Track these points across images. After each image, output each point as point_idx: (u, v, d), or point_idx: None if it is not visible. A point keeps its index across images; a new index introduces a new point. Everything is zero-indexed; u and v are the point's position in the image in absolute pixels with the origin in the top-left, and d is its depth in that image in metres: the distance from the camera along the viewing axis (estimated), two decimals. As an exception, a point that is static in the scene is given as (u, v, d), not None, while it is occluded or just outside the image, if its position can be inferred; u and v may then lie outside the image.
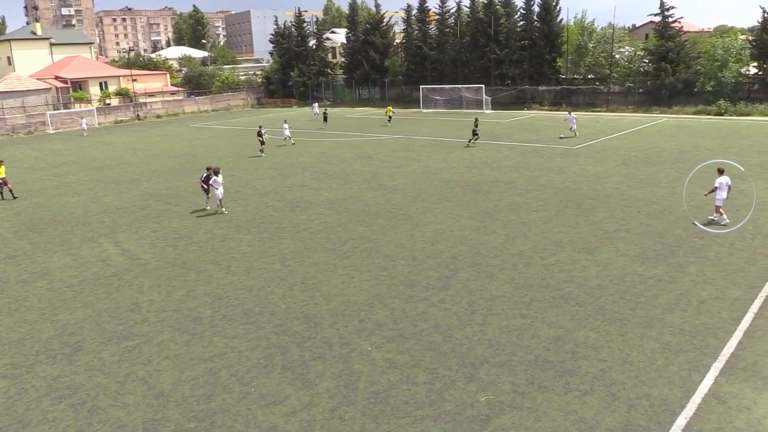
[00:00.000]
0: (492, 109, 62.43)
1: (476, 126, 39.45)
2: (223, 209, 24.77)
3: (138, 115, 75.79)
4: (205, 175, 25.25)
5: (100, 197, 29.44)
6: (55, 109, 71.68)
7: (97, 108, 73.34)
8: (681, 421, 9.71)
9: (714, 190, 19.52)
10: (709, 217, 20.15)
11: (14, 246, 21.89)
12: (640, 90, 58.63)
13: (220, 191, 24.47)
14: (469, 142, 39.48)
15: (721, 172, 19.61)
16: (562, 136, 40.89)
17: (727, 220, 19.61)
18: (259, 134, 40.15)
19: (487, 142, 40.62)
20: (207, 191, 25.39)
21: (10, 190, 30.32)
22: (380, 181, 29.50)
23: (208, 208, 25.39)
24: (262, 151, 39.67)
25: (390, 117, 54.71)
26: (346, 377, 11.56)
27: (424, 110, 66.04)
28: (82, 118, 64.92)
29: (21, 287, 17.60)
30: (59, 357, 13.15)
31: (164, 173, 35.43)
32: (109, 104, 78.45)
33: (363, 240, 20.06)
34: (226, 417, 10.52)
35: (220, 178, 24.27)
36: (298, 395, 11.04)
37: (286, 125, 44.39)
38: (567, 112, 43.97)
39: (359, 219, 22.70)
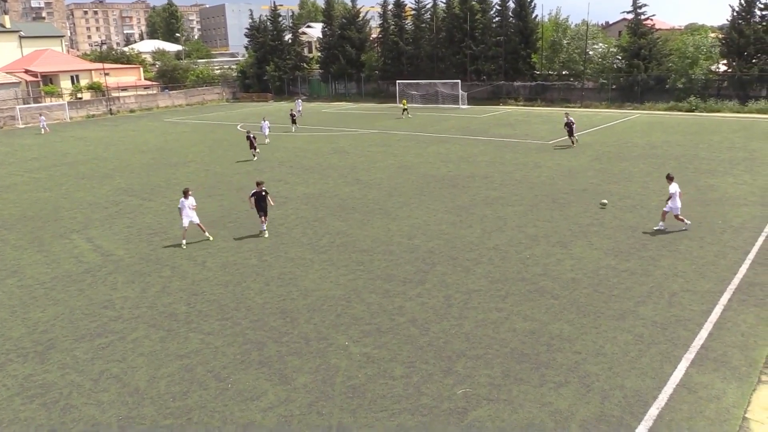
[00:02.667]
0: (468, 104, 62.70)
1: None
2: (207, 234, 20.16)
3: (111, 110, 74.62)
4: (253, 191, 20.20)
5: (71, 193, 28.95)
6: (24, 104, 70.23)
7: (68, 102, 72.01)
8: (653, 411, 9.89)
9: (670, 198, 18.68)
10: (655, 227, 19.00)
11: (-17, 243, 21.43)
12: (614, 86, 59.33)
13: (187, 218, 19.50)
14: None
15: (671, 179, 18.82)
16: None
17: (687, 225, 18.87)
18: (248, 138, 35.93)
19: (463, 137, 40.79)
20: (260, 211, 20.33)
21: None
22: (357, 175, 29.47)
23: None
24: (254, 155, 35.88)
25: (405, 110, 54.18)
26: (324, 372, 11.55)
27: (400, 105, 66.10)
28: (40, 115, 62.74)
29: (-9, 284, 17.25)
30: (31, 355, 12.93)
31: (138, 168, 34.95)
32: (80, 98, 77.06)
33: (339, 235, 20.04)
34: (203, 413, 10.45)
35: (190, 201, 19.39)
36: (275, 390, 11.01)
37: (265, 122, 42.61)
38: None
39: (336, 214, 22.66)
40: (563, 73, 63.82)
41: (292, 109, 53.20)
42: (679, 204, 18.63)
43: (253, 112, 63.69)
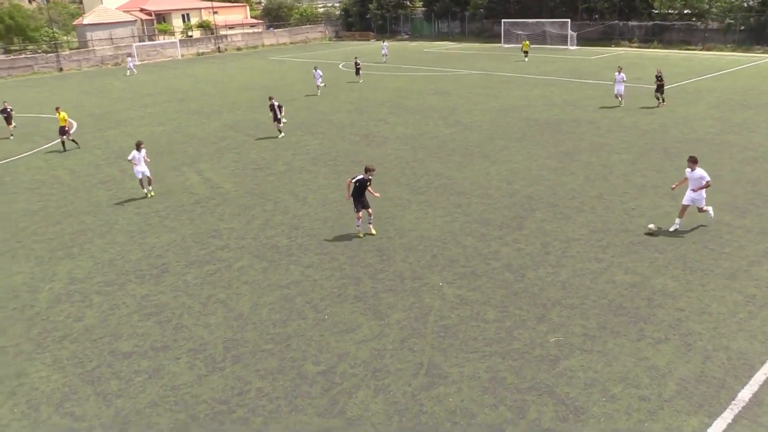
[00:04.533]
0: (577, 45, 59.62)
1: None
2: (146, 190, 19.82)
3: (219, 48, 76.94)
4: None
5: (183, 128, 30.43)
6: (140, 41, 73.69)
7: (180, 40, 74.86)
8: (760, 376, 9.39)
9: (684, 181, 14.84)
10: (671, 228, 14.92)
11: (105, 172, 23.11)
12: (742, 27, 54.26)
13: (139, 171, 19.36)
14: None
15: (694, 162, 14.44)
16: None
17: (677, 225, 14.81)
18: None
19: (570, 80, 39.02)
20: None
21: (73, 140, 27.49)
22: (457, 117, 29.04)
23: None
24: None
25: (526, 52, 51.99)
26: (417, 310, 11.77)
27: (506, 45, 63.81)
28: (128, 56, 62.91)
29: (112, 211, 18.66)
30: (147, 277, 13.98)
31: (244, 105, 36.10)
32: (191, 36, 79.87)
33: (438, 176, 19.98)
34: (301, 341, 10.98)
35: (142, 154, 19.22)
36: (369, 325, 11.36)
37: (317, 71, 38.51)
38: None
39: (435, 155, 22.55)
40: (684, 12, 59.02)
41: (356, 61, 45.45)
42: (703, 195, 14.54)
43: (354, 50, 63.62)
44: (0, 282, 14.26)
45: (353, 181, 14.85)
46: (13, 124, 30.68)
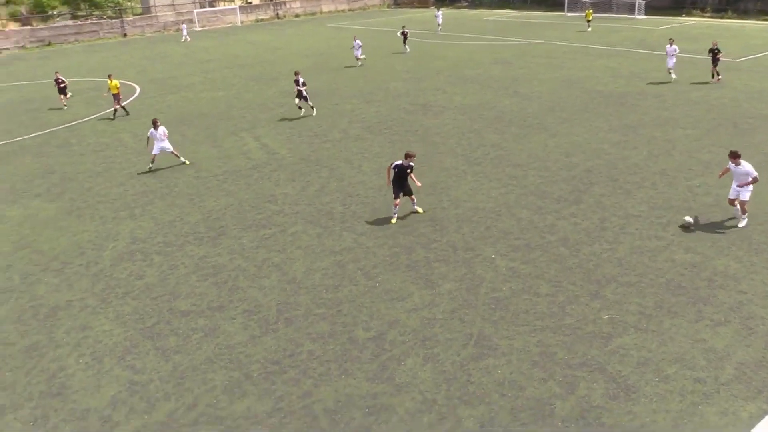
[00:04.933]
0: (645, 14, 57.14)
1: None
2: (182, 159, 20.09)
3: (278, 14, 77.18)
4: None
5: (242, 93, 30.83)
6: (201, 8, 74.57)
7: (239, 6, 75.41)
8: (827, 362, 9.02)
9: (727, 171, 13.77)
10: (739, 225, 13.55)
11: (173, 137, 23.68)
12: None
13: (158, 147, 19.48)
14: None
15: (736, 157, 13.13)
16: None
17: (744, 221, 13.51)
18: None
19: (636, 51, 37.54)
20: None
21: (123, 108, 27.66)
22: (517, 88, 28.42)
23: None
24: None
25: (589, 21, 50.13)
26: (469, 281, 11.73)
27: (569, 14, 61.76)
28: (183, 23, 62.39)
29: (172, 174, 19.18)
30: (205, 239, 14.37)
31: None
32: (250, 3, 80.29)
33: (495, 147, 19.68)
34: (352, 307, 11.12)
35: (160, 131, 19.29)
36: (420, 294, 11.40)
37: (357, 42, 37.31)
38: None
39: (492, 126, 22.19)
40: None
41: (404, 30, 42.45)
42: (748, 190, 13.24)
43: (412, 18, 62.82)
44: (67, 239, 14.93)
45: (392, 167, 14.27)
46: (69, 94, 30.54)
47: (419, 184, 14.97)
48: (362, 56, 37.32)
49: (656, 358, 9.29)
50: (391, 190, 14.54)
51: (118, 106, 27.24)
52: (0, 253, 14.48)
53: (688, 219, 13.57)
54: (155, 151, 19.41)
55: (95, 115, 27.96)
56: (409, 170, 14.36)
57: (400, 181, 14.33)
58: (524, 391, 8.75)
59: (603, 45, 40.77)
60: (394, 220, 14.62)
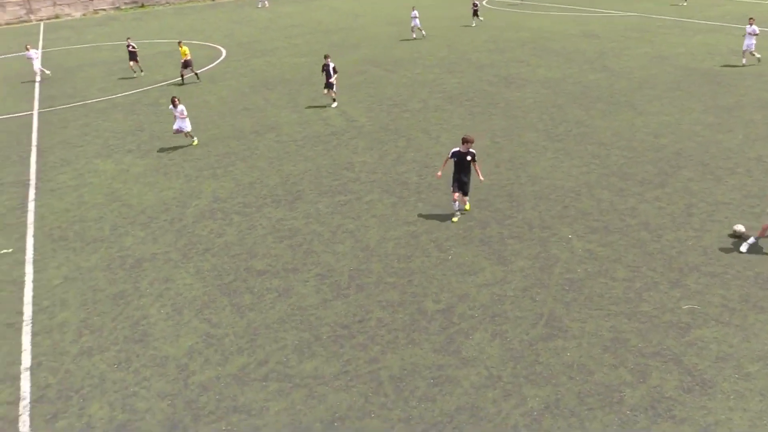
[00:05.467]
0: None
1: None
2: (194, 140, 19.63)
3: (363, -20, 76.67)
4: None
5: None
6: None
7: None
8: None
9: None
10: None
11: (250, 100, 24.26)
12: None
13: (176, 124, 18.95)
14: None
15: None
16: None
17: None
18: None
19: (739, 26, 35.18)
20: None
21: (195, 73, 28.10)
22: (605, 62, 27.28)
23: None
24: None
25: None
26: (543, 260, 11.52)
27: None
28: None
29: (254, 137, 19.66)
30: (282, 202, 14.72)
31: (384, 40, 36.08)
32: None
33: (578, 124, 19.06)
34: (423, 278, 11.17)
35: (179, 109, 18.68)
36: (492, 269, 11.30)
37: (415, 12, 35.68)
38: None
39: (577, 101, 21.46)
40: None
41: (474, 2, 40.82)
42: None
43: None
44: (154, 195, 15.64)
45: (450, 156, 12.71)
46: (139, 63, 30.29)
47: (482, 178, 13.33)
48: (420, 29, 35.58)
49: (738, 353, 8.88)
50: (450, 183, 13.01)
51: (190, 73, 27.61)
52: (94, 205, 15.37)
53: (739, 228, 11.98)
54: (175, 127, 18.93)
55: (195, 74, 28.86)
56: (469, 158, 12.59)
57: (460, 171, 12.67)
58: (593, 375, 8.58)
59: (700, 19, 38.42)
60: (455, 219, 13.20)
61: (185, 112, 18.75)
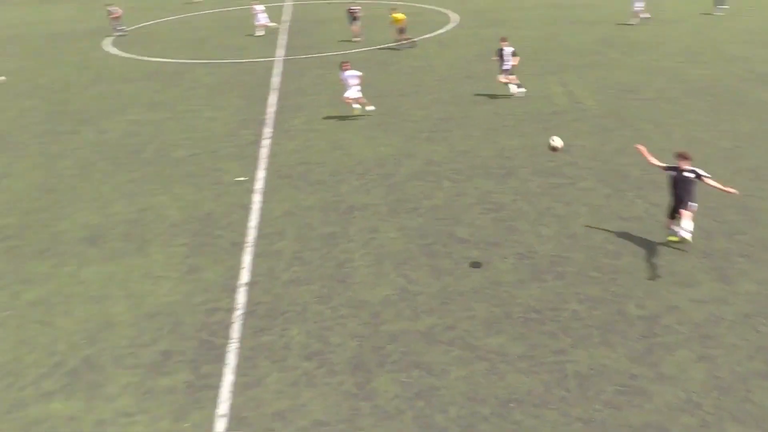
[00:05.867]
0: None
1: None
2: (369, 107, 19.17)
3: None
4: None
5: (556, 36, 29.87)
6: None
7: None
8: None
9: None
10: None
11: (474, 68, 24.30)
12: None
13: (350, 90, 18.66)
14: None
15: None
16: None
17: None
18: None
19: None
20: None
21: (410, 39, 28.39)
22: None
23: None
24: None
25: None
26: (774, 287, 10.17)
27: None
28: None
29: (473, 106, 19.70)
30: (493, 176, 14.64)
31: (621, 19, 33.69)
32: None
33: None
34: (629, 279, 10.47)
35: (350, 73, 18.43)
36: (711, 286, 10.22)
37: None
38: None
39: None
40: None
41: None
42: None
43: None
44: (372, 149, 16.45)
45: (666, 171, 11.06)
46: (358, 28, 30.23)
47: (733, 190, 10.89)
48: (646, 14, 31.67)
49: None
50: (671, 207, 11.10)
51: (404, 40, 27.90)
52: (318, 150, 16.61)
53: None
54: (346, 94, 18.72)
55: (410, 40, 29.64)
56: (693, 175, 10.64)
57: (682, 192, 10.81)
58: (817, 428, 7.47)
59: None
60: (672, 237, 11.33)
61: (356, 76, 18.47)
